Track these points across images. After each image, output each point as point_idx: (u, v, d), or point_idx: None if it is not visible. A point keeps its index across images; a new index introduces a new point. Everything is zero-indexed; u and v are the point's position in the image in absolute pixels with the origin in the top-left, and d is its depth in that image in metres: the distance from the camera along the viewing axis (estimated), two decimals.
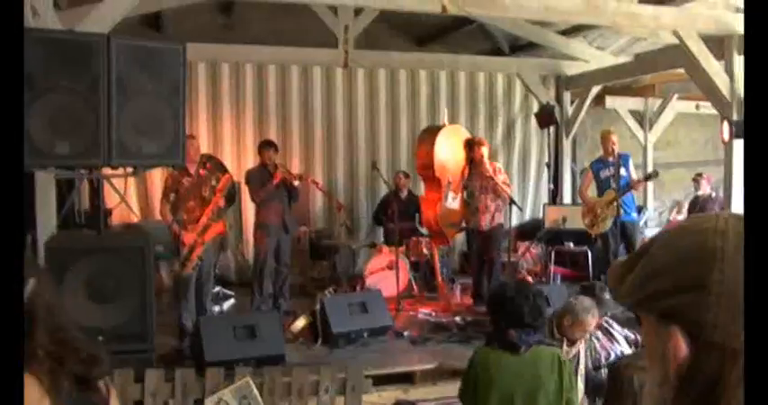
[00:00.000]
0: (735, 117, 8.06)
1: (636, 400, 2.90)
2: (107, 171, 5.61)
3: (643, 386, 2.89)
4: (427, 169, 8.75)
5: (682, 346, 0.98)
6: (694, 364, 0.97)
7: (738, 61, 8.25)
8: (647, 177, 8.83)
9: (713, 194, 10.72)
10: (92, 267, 5.31)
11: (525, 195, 11.98)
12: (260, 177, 8.14)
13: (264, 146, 8.37)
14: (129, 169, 5.64)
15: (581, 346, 4.79)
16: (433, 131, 8.94)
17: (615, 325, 5.23)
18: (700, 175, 10.53)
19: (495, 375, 3.79)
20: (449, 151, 8.69)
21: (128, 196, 7.98)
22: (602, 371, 4.76)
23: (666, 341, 1.00)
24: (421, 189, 9.59)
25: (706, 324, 0.95)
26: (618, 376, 3.01)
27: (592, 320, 4.71)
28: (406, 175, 10.19)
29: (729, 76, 8.21)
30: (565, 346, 4.63)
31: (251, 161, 8.83)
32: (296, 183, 8.20)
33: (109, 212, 8.23)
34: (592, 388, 4.83)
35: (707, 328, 0.95)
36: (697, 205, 10.81)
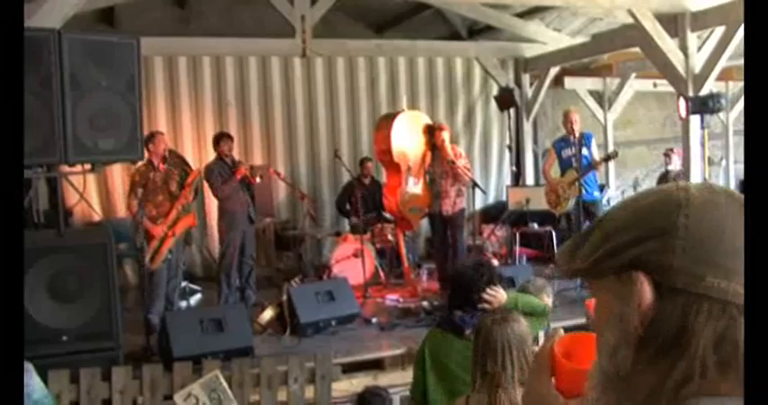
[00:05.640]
0: (691, 93, 8.15)
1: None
2: (65, 169, 5.56)
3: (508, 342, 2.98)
4: (385, 155, 8.74)
5: (647, 292, 0.97)
6: (659, 310, 0.97)
7: (692, 38, 8.34)
8: (607, 158, 8.88)
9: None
10: (53, 267, 5.27)
11: (488, 178, 12.02)
12: (219, 172, 8.09)
13: (219, 138, 8.31)
14: (88, 166, 5.58)
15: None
16: (390, 117, 8.93)
17: None
18: (671, 149, 10.59)
19: (442, 358, 3.78)
20: (407, 136, 8.68)
21: (88, 194, 7.89)
22: None
23: (629, 293, 0.98)
24: (384, 176, 9.58)
25: (670, 268, 0.95)
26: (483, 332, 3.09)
27: (548, 299, 4.70)
28: (371, 161, 10.18)
29: (684, 53, 8.28)
30: None
31: (212, 154, 8.77)
32: (257, 180, 8.20)
33: (69, 211, 8.14)
34: None
35: (671, 272, 0.95)
36: (667, 180, 10.84)
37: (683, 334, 0.95)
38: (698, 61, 8.28)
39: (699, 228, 0.96)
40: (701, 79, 8.20)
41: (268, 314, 7.21)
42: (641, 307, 0.97)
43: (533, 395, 1.25)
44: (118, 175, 9.65)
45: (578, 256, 1.06)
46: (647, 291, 0.97)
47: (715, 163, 11.90)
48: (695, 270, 0.95)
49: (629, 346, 0.99)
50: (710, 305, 0.94)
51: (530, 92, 11.82)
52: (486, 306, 3.77)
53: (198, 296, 9.00)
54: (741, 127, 12.35)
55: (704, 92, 8.12)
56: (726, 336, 0.94)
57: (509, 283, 7.22)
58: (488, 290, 3.80)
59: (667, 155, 10.53)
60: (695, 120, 8.18)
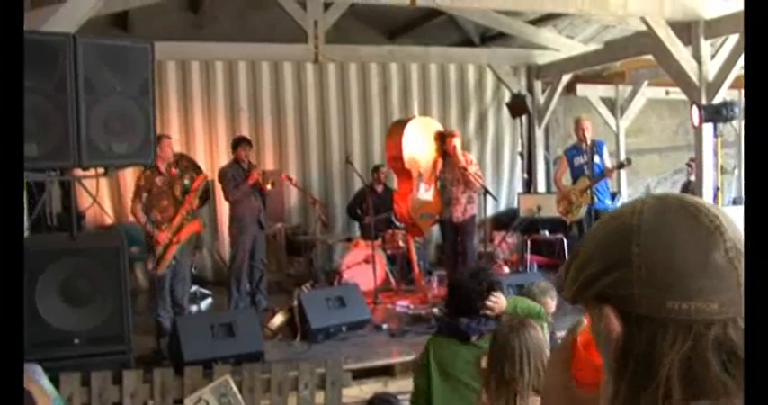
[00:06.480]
0: (704, 101, 8.12)
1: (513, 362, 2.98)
2: (78, 172, 5.57)
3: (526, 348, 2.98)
4: (397, 161, 8.72)
5: (615, 324, 1.00)
6: (627, 339, 0.99)
7: (705, 46, 8.31)
8: (620, 165, 8.86)
9: None
10: (66, 270, 5.28)
11: (500, 185, 12.00)
12: (233, 175, 8.09)
13: (238, 143, 8.33)
14: (101, 170, 5.60)
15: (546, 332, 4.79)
16: (401, 123, 8.92)
17: None
18: (693, 160, 10.59)
19: (447, 363, 3.77)
20: (418, 143, 8.66)
21: (100, 198, 7.92)
22: None
23: (602, 324, 1.02)
24: (395, 182, 9.57)
25: (632, 297, 0.98)
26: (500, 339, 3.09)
27: (551, 302, 4.69)
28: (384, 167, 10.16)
29: (697, 61, 8.26)
30: None
31: (224, 158, 8.77)
32: (268, 187, 8.20)
33: (82, 214, 8.17)
34: None
35: (633, 301, 0.98)
36: (689, 190, 10.80)
37: (651, 361, 0.97)
38: (711, 69, 8.25)
39: (651, 255, 0.98)
40: (714, 87, 8.17)
41: (279, 319, 7.22)
42: (611, 339, 1.01)
43: (549, 383, 1.27)
44: (130, 178, 9.64)
45: (566, 286, 1.10)
46: (614, 323, 1.00)
47: (728, 172, 11.83)
48: (655, 297, 0.97)
49: (611, 373, 1.02)
50: (676, 328, 0.97)
51: (542, 99, 11.81)
52: (488, 312, 3.78)
53: (208, 300, 9.01)
54: None
55: (717, 100, 8.09)
56: (693, 355, 0.96)
57: (519, 291, 7.22)
58: (490, 296, 3.81)
59: (690, 165, 10.50)
60: (708, 128, 8.14)
